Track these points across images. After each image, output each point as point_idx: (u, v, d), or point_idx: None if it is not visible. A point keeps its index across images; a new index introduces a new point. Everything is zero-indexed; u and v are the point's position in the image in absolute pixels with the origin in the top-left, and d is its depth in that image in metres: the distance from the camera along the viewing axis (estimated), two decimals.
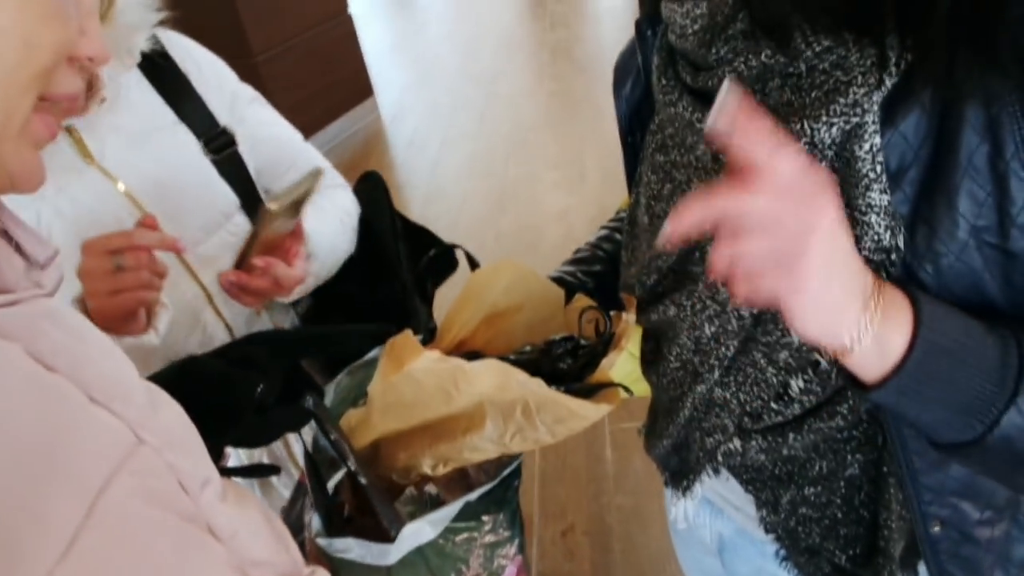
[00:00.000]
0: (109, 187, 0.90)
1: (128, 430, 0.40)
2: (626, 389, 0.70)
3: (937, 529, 0.62)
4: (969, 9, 0.46)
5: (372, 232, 1.20)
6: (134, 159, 0.93)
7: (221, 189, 1.02)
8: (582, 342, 0.75)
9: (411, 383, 0.69)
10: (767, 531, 0.74)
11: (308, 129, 4.50)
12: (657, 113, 0.72)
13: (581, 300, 0.80)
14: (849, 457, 0.65)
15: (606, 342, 0.73)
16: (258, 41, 4.14)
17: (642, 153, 0.76)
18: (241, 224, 1.04)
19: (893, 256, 0.53)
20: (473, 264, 0.85)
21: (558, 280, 0.86)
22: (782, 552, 0.75)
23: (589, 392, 0.70)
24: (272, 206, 0.78)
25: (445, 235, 0.95)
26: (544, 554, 2.01)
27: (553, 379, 0.68)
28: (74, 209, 0.87)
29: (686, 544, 1.00)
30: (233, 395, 0.62)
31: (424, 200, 3.97)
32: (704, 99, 0.62)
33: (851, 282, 0.48)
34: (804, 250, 0.45)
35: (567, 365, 0.73)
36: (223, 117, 1.05)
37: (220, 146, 1.02)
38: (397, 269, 1.22)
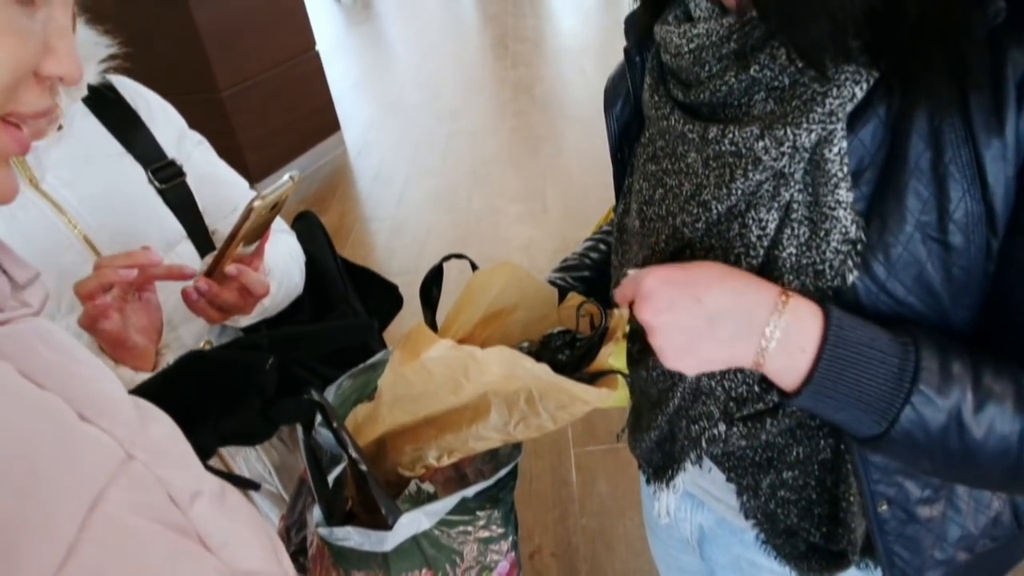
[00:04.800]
0: (51, 212, 0.90)
1: (118, 446, 0.40)
2: (624, 376, 0.74)
3: (884, 508, 0.68)
4: (937, 32, 0.54)
5: (317, 265, 1.21)
6: (76, 185, 0.92)
7: (166, 218, 1.01)
8: (578, 335, 0.78)
9: (422, 373, 0.70)
10: (747, 516, 0.79)
11: (275, 163, 4.52)
12: (647, 128, 0.78)
13: (575, 298, 0.83)
14: (822, 442, 0.70)
15: (601, 334, 0.76)
16: (224, 77, 4.16)
17: (630, 166, 0.82)
18: (187, 254, 1.02)
19: (859, 247, 0.59)
20: (475, 269, 0.87)
21: (551, 285, 0.89)
22: (761, 536, 0.79)
23: (589, 381, 0.73)
24: (256, 203, 0.77)
25: (411, 267, 0.97)
26: None
27: (553, 370, 0.70)
28: (19, 232, 0.87)
29: (664, 543, 1.04)
30: (242, 373, 0.62)
31: (389, 233, 3.99)
32: (694, 112, 0.69)
33: (737, 325, 0.59)
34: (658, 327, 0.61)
35: (565, 356, 0.76)
36: (171, 151, 1.04)
37: (167, 176, 1.02)
38: (346, 296, 1.24)
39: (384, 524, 0.72)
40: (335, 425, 0.68)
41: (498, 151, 4.90)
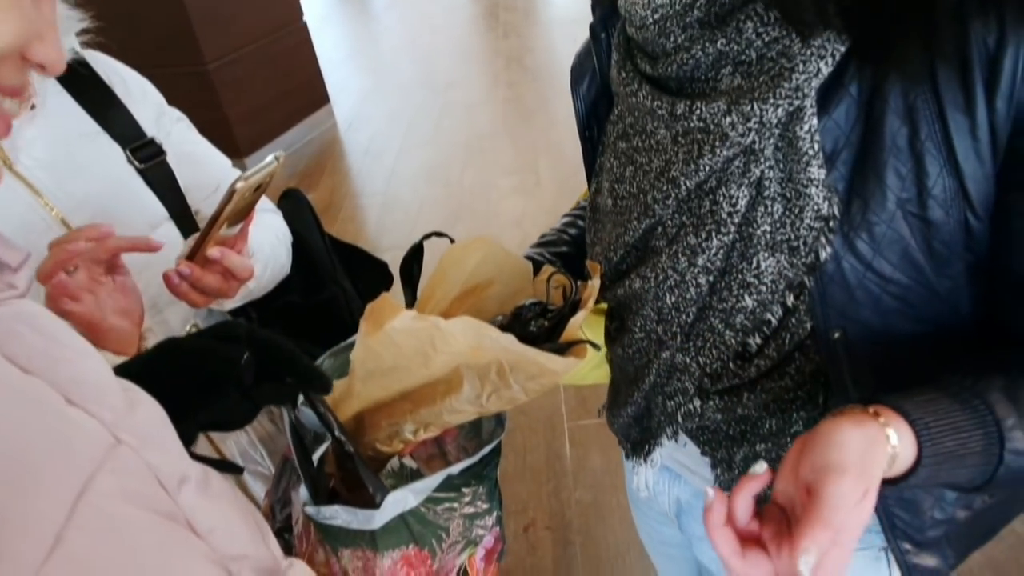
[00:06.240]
0: (26, 194, 0.88)
1: (105, 431, 0.40)
2: (593, 345, 0.74)
3: None
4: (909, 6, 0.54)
5: (304, 244, 1.20)
6: (52, 166, 0.90)
7: (146, 198, 0.99)
8: (549, 307, 0.78)
9: (390, 346, 0.70)
10: (722, 489, 0.79)
11: (263, 137, 4.48)
12: (616, 105, 0.77)
13: (548, 270, 0.83)
14: (795, 415, 0.71)
15: (573, 304, 0.76)
16: (210, 49, 4.11)
17: (601, 145, 0.81)
18: (170, 235, 1.01)
19: (831, 224, 0.60)
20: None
21: (527, 260, 0.89)
22: None
23: (559, 351, 0.73)
24: (239, 184, 0.75)
25: (402, 243, 0.95)
26: (507, 549, 2.04)
27: (524, 342, 0.70)
28: None
29: (645, 515, 1.05)
30: (218, 365, 0.61)
31: (381, 208, 3.97)
32: (662, 87, 0.68)
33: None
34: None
35: (537, 328, 0.76)
36: (150, 129, 1.02)
37: (147, 156, 1.00)
38: (334, 275, 1.23)
39: (370, 502, 0.73)
40: (320, 409, 0.67)
41: (491, 123, 4.86)
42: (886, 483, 0.56)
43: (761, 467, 0.54)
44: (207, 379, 0.61)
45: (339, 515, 0.73)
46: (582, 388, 2.71)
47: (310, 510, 0.74)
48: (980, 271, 0.61)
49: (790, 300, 0.64)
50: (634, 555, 1.97)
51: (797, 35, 0.58)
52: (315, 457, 0.77)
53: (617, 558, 1.97)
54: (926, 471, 0.54)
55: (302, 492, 0.75)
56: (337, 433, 0.69)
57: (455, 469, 0.78)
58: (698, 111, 0.63)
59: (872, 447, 0.52)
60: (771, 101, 0.59)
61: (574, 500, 2.16)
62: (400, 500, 0.73)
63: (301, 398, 0.74)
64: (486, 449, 0.82)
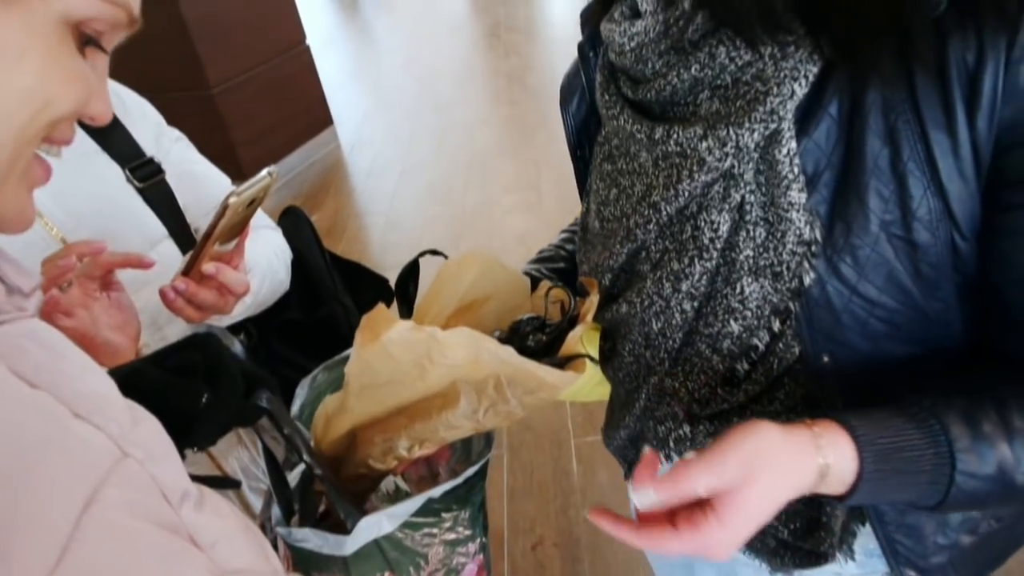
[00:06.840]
0: None
1: (112, 443, 0.40)
2: (592, 359, 0.73)
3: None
4: (884, 22, 0.53)
5: (304, 261, 1.21)
6: (51, 186, 0.89)
7: (145, 217, 1.00)
8: (548, 321, 0.78)
9: (386, 358, 0.69)
10: None
11: (267, 160, 4.47)
12: (603, 126, 0.77)
13: (546, 285, 0.82)
14: None
15: (571, 319, 0.75)
16: (214, 73, 4.14)
17: (591, 165, 0.80)
18: (169, 253, 1.01)
19: (813, 248, 0.59)
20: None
21: (525, 275, 0.88)
22: None
23: (558, 365, 0.72)
24: (232, 199, 0.76)
25: (405, 262, 0.93)
26: (515, 568, 2.01)
27: (522, 356, 0.69)
28: None
29: None
30: (176, 406, 0.61)
31: (384, 228, 3.98)
32: (645, 110, 0.67)
33: (794, 492, 0.54)
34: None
35: (535, 342, 0.75)
36: (149, 148, 1.03)
37: (146, 175, 1.00)
38: (335, 292, 1.24)
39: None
40: (286, 432, 0.65)
41: (492, 142, 4.87)
42: (835, 499, 0.57)
43: (691, 455, 0.57)
44: (168, 415, 0.61)
45: (310, 539, 0.70)
46: (588, 404, 2.70)
47: (281, 531, 0.72)
48: (970, 291, 0.59)
49: (776, 325, 0.63)
50: (643, 573, 1.94)
51: (748, 47, 0.57)
52: (293, 475, 0.75)
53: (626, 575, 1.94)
54: (869, 486, 0.54)
55: (275, 512, 0.73)
56: (306, 457, 0.67)
57: (436, 492, 0.75)
58: (675, 135, 0.63)
59: (791, 453, 0.54)
60: (747, 125, 0.58)
61: (582, 517, 2.13)
62: (374, 525, 0.70)
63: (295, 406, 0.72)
64: (471, 470, 0.79)
